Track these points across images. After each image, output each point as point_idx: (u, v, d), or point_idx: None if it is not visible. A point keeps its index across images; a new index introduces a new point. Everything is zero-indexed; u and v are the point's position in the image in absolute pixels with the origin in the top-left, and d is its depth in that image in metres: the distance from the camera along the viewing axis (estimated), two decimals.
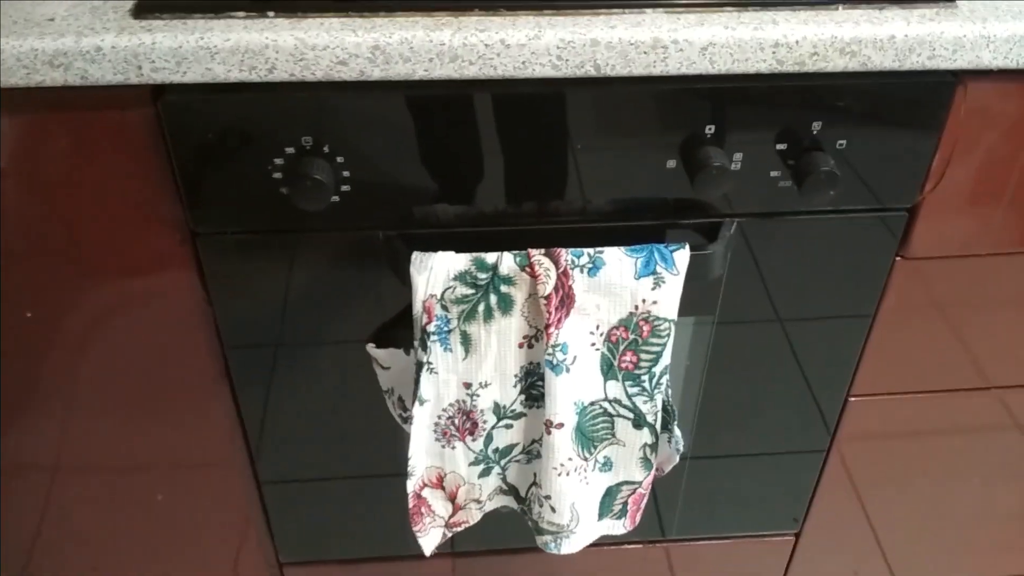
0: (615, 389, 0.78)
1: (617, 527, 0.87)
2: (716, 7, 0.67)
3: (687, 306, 0.75)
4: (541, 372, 0.75)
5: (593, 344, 0.75)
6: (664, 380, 0.78)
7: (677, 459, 0.86)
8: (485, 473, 0.82)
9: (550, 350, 0.73)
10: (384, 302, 0.79)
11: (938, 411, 0.96)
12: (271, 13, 0.65)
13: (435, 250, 0.72)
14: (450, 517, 0.84)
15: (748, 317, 0.86)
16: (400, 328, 0.79)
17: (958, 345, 0.90)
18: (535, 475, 0.82)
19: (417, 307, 0.72)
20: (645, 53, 0.66)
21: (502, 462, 0.82)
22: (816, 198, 0.72)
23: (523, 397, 0.78)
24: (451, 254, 0.72)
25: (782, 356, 0.89)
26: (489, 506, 0.85)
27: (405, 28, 0.64)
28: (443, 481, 0.82)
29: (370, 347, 0.80)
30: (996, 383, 0.94)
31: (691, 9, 0.67)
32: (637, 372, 0.77)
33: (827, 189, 0.71)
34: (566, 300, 0.72)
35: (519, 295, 0.73)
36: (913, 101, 0.71)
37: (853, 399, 0.93)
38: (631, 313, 0.74)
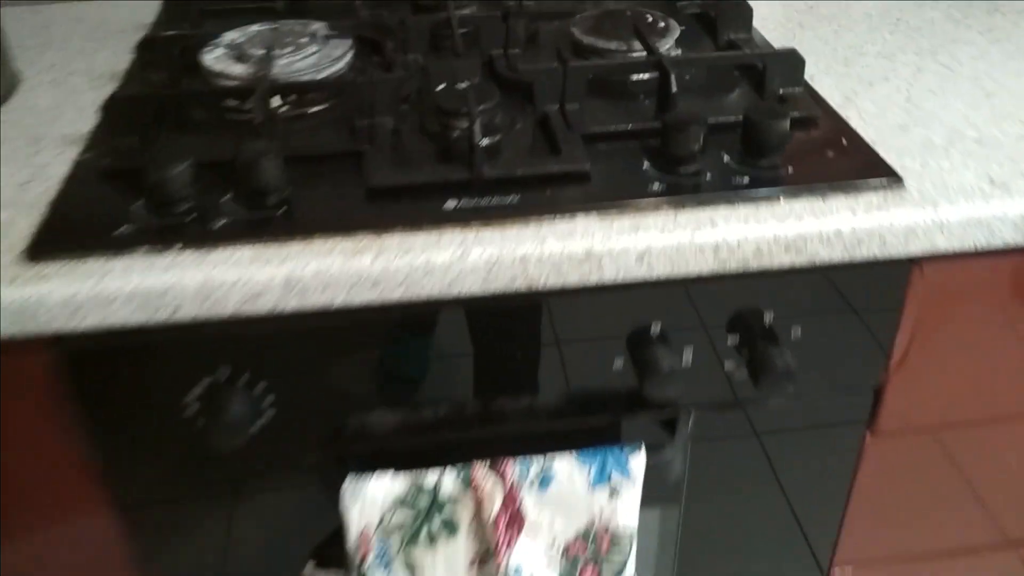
0: None
1: None
2: (650, 209, 0.63)
3: (650, 498, 0.70)
4: None
5: (550, 562, 0.69)
6: None
7: None
8: None
9: (502, 574, 0.67)
10: (325, 517, 0.73)
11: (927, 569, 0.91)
12: (177, 246, 0.61)
13: (372, 468, 0.67)
14: None
15: (715, 501, 0.80)
16: (341, 545, 0.72)
17: (939, 508, 0.85)
18: None
19: (352, 540, 0.67)
20: (579, 264, 0.62)
21: None
22: (774, 394, 0.68)
23: None
24: (387, 479, 0.66)
25: (759, 533, 0.83)
26: None
27: (321, 256, 0.60)
28: None
29: (309, 568, 0.74)
30: (987, 541, 0.89)
31: (624, 211, 0.63)
32: None
33: (785, 386, 0.67)
34: (515, 520, 0.67)
35: (464, 516, 0.67)
36: (867, 287, 0.68)
37: (837, 569, 0.88)
38: (588, 525, 0.69)
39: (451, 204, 0.64)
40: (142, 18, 0.97)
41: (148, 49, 0.80)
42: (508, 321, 0.66)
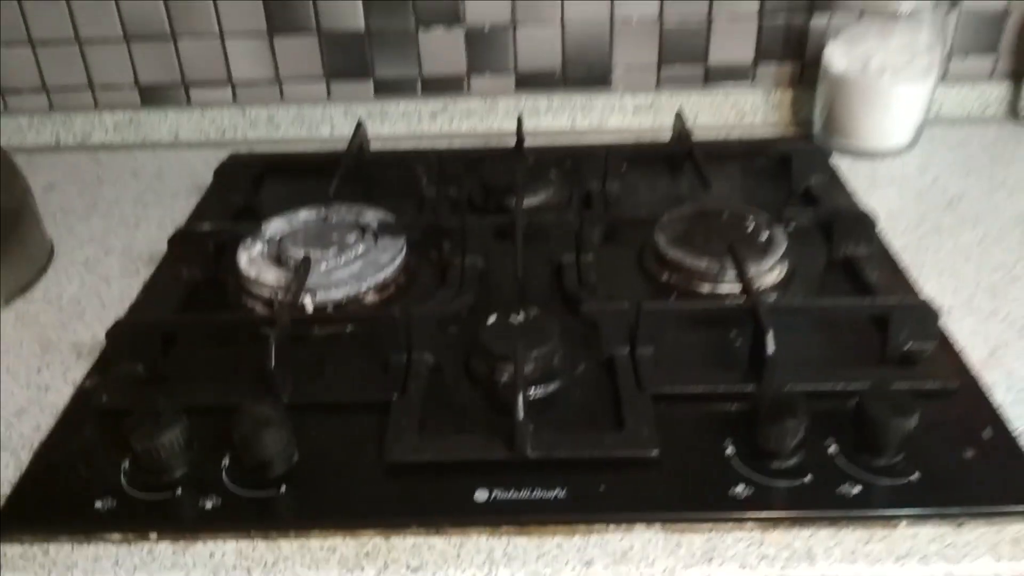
0: None
1: None
2: (731, 525, 0.50)
3: None
4: None
5: None
6: None
7: None
8: None
9: None
10: None
11: None
12: (152, 536, 0.51)
13: None
14: None
15: None
16: None
17: None
18: None
19: None
20: None
21: None
22: None
23: None
24: None
25: None
26: None
27: (315, 565, 0.50)
28: None
29: None
30: None
31: (697, 526, 0.50)
32: None
33: None
34: None
35: None
36: None
37: None
38: None
39: (482, 495, 0.52)
40: (200, 177, 0.90)
41: (181, 244, 0.73)
42: None
